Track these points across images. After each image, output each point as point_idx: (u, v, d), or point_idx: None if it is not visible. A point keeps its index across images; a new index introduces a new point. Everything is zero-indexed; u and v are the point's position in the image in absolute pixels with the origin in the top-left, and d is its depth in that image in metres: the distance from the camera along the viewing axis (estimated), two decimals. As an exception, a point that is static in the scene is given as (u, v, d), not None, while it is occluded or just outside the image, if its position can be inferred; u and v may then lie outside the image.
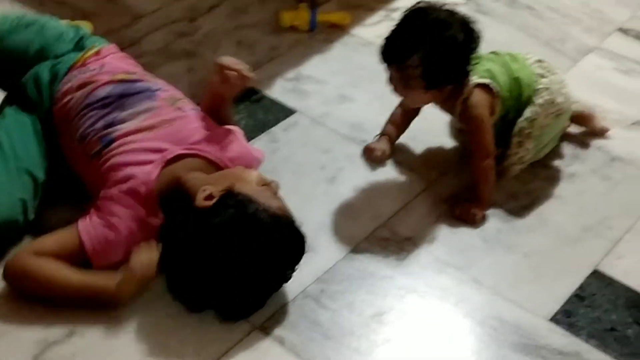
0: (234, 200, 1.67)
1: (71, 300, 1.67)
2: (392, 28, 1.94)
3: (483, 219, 1.98)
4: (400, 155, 2.13)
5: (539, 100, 2.01)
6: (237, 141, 1.93)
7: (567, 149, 2.20)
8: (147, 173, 1.75)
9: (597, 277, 1.87)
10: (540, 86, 2.03)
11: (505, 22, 2.67)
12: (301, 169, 2.08)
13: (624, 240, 1.96)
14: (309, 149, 2.14)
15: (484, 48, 2.44)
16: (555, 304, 1.80)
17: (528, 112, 2.00)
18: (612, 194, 2.09)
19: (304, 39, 2.51)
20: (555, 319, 1.77)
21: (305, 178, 2.06)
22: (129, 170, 1.76)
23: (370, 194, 2.03)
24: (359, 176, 2.08)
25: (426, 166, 2.09)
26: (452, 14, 1.91)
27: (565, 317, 1.78)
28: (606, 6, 2.76)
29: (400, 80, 1.93)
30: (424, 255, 1.89)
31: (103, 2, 2.56)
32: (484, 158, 1.98)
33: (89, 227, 1.72)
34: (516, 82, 2.02)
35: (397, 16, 2.55)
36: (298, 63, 2.41)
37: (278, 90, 2.31)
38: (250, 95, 2.28)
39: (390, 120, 2.14)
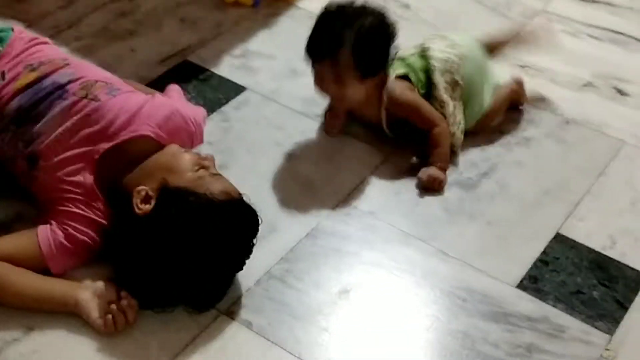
0: (172, 197, 1.62)
1: (29, 307, 1.60)
2: (313, 26, 1.94)
3: (446, 182, 1.97)
4: (355, 129, 2.10)
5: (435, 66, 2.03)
6: (168, 109, 1.82)
7: (520, 114, 2.19)
8: (81, 181, 1.69)
9: (559, 240, 1.86)
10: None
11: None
12: (256, 147, 2.03)
13: (583, 202, 1.96)
14: (263, 126, 2.09)
15: (432, 18, 2.44)
16: (521, 270, 1.79)
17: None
18: (569, 156, 2.09)
19: (249, 14, 2.45)
20: (522, 285, 1.76)
21: (261, 156, 2.01)
22: (67, 184, 1.69)
23: (328, 169, 2.00)
24: (316, 151, 2.04)
25: (382, 139, 2.06)
26: (365, 6, 1.95)
27: (532, 283, 1.77)
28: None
29: (333, 75, 1.92)
30: (387, 228, 1.86)
31: (36, -17, 2.46)
32: (434, 127, 1.99)
33: (47, 235, 1.66)
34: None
35: None
36: (244, 39, 2.35)
37: (226, 68, 2.25)
38: (198, 74, 2.21)
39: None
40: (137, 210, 1.62)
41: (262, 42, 2.36)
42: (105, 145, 1.72)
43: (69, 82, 1.80)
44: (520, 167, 2.05)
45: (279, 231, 1.81)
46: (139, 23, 2.37)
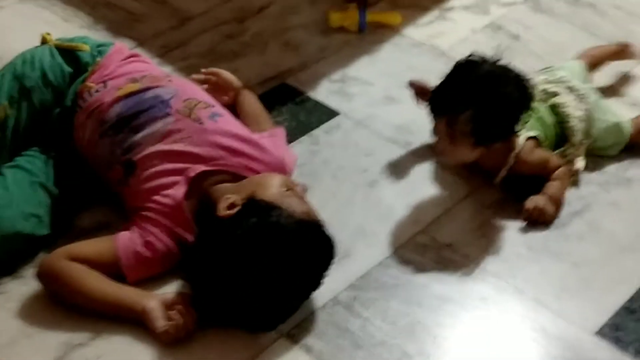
0: (256, 208, 1.63)
1: (97, 310, 1.65)
2: (444, 79, 1.87)
3: (554, 216, 1.89)
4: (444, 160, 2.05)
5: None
6: (266, 149, 1.86)
7: (625, 155, 2.08)
8: (174, 196, 1.73)
9: (650, 289, 1.76)
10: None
11: (565, 20, 2.55)
12: (341, 173, 2.02)
13: (682, 250, 1.84)
14: (351, 152, 2.08)
15: (544, 48, 2.36)
16: (602, 317, 1.70)
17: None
18: (672, 201, 1.97)
19: (353, 40, 2.45)
20: (601, 333, 1.67)
21: (345, 182, 2.00)
22: (157, 197, 1.73)
23: (411, 199, 1.96)
24: (401, 180, 2.01)
25: (470, 171, 2.00)
26: (506, 69, 1.86)
27: (613, 331, 1.67)
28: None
29: (447, 134, 1.85)
30: (463, 262, 1.81)
31: (152, 3, 2.56)
32: (554, 170, 1.93)
33: (127, 242, 1.70)
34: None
35: (451, 16, 2.57)
36: (345, 64, 2.36)
37: (322, 92, 2.26)
38: (294, 97, 2.23)
39: None
40: (219, 213, 1.64)
41: (362, 68, 2.35)
42: (203, 167, 1.76)
43: (172, 97, 1.85)
44: (617, 208, 1.95)
45: (351, 256, 1.79)
46: (245, 45, 2.41)
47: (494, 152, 1.90)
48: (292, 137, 2.08)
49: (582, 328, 1.68)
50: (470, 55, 1.89)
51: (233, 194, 1.68)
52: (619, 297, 1.74)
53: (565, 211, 1.93)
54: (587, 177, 2.01)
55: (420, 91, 2.08)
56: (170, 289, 1.71)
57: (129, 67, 1.98)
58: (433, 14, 2.57)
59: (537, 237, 1.87)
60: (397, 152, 2.08)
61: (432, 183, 2.01)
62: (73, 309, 1.65)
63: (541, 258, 1.83)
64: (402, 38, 2.47)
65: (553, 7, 2.61)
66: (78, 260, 1.67)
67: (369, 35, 2.47)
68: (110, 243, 1.71)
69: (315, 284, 1.66)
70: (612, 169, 2.05)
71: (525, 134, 1.92)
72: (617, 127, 2.06)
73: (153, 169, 1.77)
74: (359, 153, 2.08)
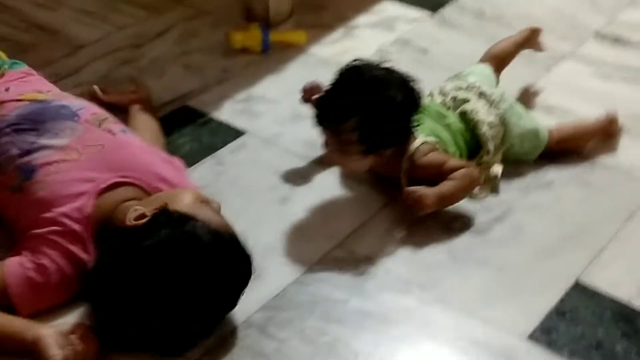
0: (168, 218, 1.48)
1: None
2: (327, 88, 1.79)
3: (432, 206, 1.75)
4: (361, 173, 1.94)
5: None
6: (181, 169, 1.78)
7: (545, 160, 2.01)
8: (79, 209, 1.56)
9: (579, 289, 1.66)
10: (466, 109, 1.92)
11: (473, 35, 2.50)
12: (249, 192, 1.89)
13: (608, 249, 1.76)
14: (259, 171, 1.96)
15: (455, 63, 2.30)
16: (533, 321, 1.59)
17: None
18: (593, 200, 1.89)
19: (257, 60, 2.35)
20: (533, 337, 1.56)
21: (254, 200, 1.87)
22: (59, 209, 1.56)
23: (325, 213, 1.84)
24: (314, 195, 1.89)
25: (387, 181, 1.89)
26: (390, 72, 1.78)
27: (545, 335, 1.57)
28: (580, 13, 2.61)
29: (336, 145, 1.76)
30: (383, 275, 1.69)
31: (42, 34, 2.41)
32: (452, 172, 1.80)
33: (16, 268, 1.52)
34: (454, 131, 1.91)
35: (357, 33, 2.50)
36: (250, 84, 2.25)
37: (227, 112, 2.14)
38: (196, 119, 2.11)
39: None
40: (127, 223, 1.49)
41: (267, 87, 2.25)
42: (114, 179, 1.61)
43: (80, 109, 1.74)
44: (539, 211, 1.87)
45: (263, 277, 1.65)
46: (142, 70, 2.29)
47: (389, 159, 1.80)
48: (195, 159, 1.95)
49: (513, 334, 1.57)
50: (353, 61, 1.80)
51: (141, 206, 1.54)
52: (548, 300, 1.64)
53: (486, 217, 1.84)
54: (506, 184, 1.93)
55: (311, 95, 1.96)
56: (68, 322, 1.53)
57: (36, 82, 1.85)
58: (339, 31, 2.49)
59: (460, 244, 1.77)
60: (307, 168, 1.97)
61: (347, 196, 1.90)
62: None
63: (465, 266, 1.72)
64: (308, 56, 2.38)
65: (459, 22, 2.56)
66: None
67: (274, 54, 2.37)
68: None
69: (232, 302, 1.52)
70: (531, 173, 1.97)
71: (421, 139, 1.83)
72: (533, 133, 1.99)
73: (57, 176, 1.60)
74: (268, 171, 1.96)
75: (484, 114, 1.91)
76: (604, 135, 2.06)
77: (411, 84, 1.78)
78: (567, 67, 2.35)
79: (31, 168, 1.62)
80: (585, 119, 2.07)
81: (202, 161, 1.96)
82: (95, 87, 1.98)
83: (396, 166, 1.82)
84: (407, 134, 1.79)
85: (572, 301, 1.63)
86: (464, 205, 1.85)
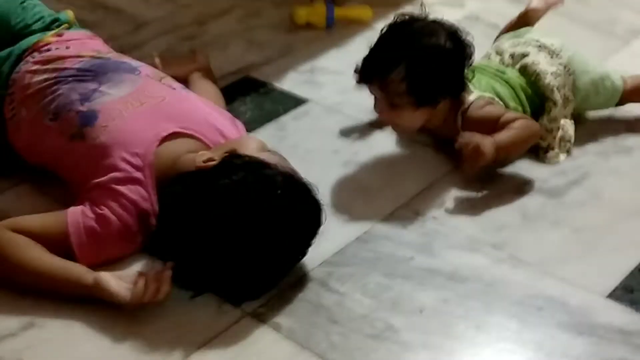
0: (241, 161, 1.43)
1: (39, 287, 1.41)
2: (372, 44, 1.72)
3: (490, 155, 1.61)
4: (426, 138, 1.86)
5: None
6: (239, 125, 1.73)
7: (623, 125, 1.90)
8: (140, 156, 1.51)
9: (663, 250, 1.55)
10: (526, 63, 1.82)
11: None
12: (311, 155, 1.82)
13: (694, 211, 1.64)
14: (321, 136, 1.89)
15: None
16: (613, 280, 1.49)
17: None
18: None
19: (321, 36, 2.29)
20: (613, 295, 1.45)
21: (317, 163, 1.79)
22: (121, 154, 1.51)
23: (390, 176, 1.76)
24: (377, 159, 1.82)
25: (451, 144, 1.79)
26: (437, 22, 1.70)
27: (627, 293, 1.45)
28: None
29: (385, 100, 1.68)
30: (451, 233, 1.60)
31: (107, 13, 2.40)
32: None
33: (78, 217, 1.47)
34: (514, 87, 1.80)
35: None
36: (313, 57, 2.19)
37: (289, 83, 2.08)
38: (258, 88, 2.06)
39: None
40: (197, 165, 1.45)
41: (331, 59, 2.18)
42: (175, 128, 1.57)
43: (140, 66, 1.72)
44: (618, 176, 1.76)
45: (324, 234, 1.56)
46: (205, 45, 2.24)
47: (443, 116, 1.72)
48: (255, 125, 1.90)
49: (592, 292, 1.46)
50: (400, 15, 1.74)
51: (209, 152, 1.50)
52: (629, 260, 1.53)
53: (562, 180, 1.74)
54: (581, 148, 1.83)
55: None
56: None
57: (95, 44, 1.82)
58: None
59: (532, 204, 1.67)
60: (373, 133, 1.89)
61: (412, 159, 1.82)
62: (6, 294, 1.43)
63: (538, 226, 1.62)
64: (374, 32, 2.29)
65: None
66: (22, 234, 1.45)
67: (338, 30, 2.31)
68: (60, 217, 1.47)
69: (303, 249, 1.47)
70: (609, 139, 1.87)
71: (477, 93, 1.74)
72: (605, 78, 1.86)
73: (118, 122, 1.55)
74: (330, 136, 1.89)
75: (545, 65, 1.81)
76: None
77: (460, 33, 1.69)
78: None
79: (93, 114, 1.58)
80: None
81: (263, 126, 1.90)
82: (156, 58, 1.95)
83: (453, 124, 1.73)
84: (460, 86, 1.70)
85: (657, 261, 1.52)
86: (536, 168, 1.76)
